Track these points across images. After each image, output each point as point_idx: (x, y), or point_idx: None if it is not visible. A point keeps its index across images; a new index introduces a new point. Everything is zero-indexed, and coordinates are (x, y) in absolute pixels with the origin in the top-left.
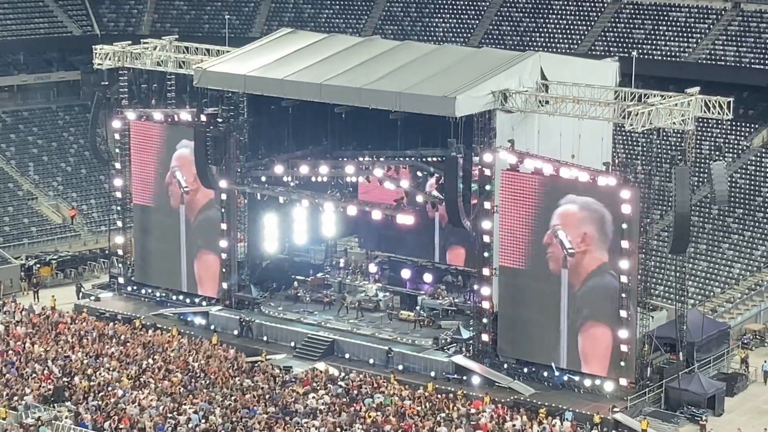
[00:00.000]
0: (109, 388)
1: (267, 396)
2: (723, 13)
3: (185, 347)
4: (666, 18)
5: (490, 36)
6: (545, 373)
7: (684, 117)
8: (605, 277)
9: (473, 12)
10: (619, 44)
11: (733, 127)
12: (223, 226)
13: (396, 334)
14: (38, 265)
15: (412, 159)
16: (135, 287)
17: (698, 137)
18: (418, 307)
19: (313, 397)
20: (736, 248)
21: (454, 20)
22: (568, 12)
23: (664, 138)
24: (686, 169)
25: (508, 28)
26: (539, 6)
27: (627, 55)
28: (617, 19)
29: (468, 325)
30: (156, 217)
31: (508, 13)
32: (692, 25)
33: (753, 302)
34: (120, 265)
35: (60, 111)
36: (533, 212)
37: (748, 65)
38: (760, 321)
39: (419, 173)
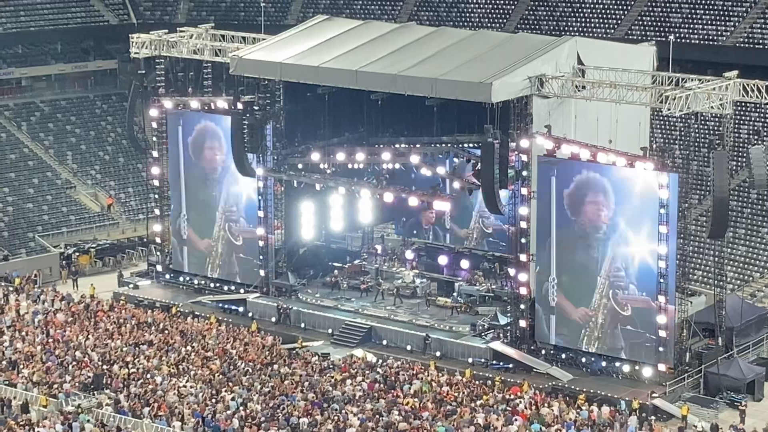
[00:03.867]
0: (148, 376)
1: (305, 383)
2: None
3: (223, 335)
4: (703, 1)
5: (525, 21)
6: (583, 359)
7: (722, 101)
8: (643, 262)
9: None
10: (656, 28)
11: None
12: (260, 214)
13: (433, 321)
14: (77, 254)
15: (449, 145)
16: (173, 275)
17: (736, 121)
18: (455, 294)
19: (351, 384)
20: None
21: (490, 6)
22: None
23: (702, 122)
24: (724, 154)
25: (544, 13)
26: None
27: (664, 39)
28: (654, 3)
29: (505, 311)
30: None
31: None
32: (730, 8)
33: None
34: (158, 253)
35: (97, 100)
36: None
37: None
38: None
39: (456, 159)
